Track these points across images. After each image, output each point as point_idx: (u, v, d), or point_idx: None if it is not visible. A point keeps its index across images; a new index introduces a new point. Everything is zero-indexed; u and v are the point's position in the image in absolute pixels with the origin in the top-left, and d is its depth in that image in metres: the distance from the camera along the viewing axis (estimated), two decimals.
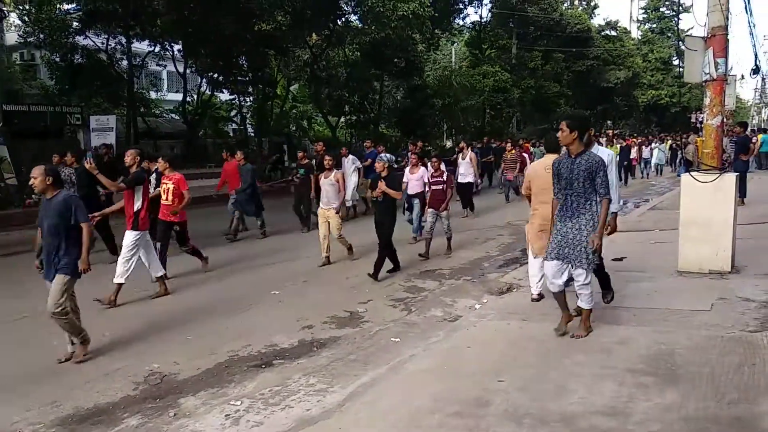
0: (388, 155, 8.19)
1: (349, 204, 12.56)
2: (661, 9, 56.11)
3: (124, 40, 24.33)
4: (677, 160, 25.20)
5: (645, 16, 57.86)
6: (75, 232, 5.20)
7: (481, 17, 37.13)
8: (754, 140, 19.50)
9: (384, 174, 7.90)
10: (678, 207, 7.18)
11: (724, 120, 15.84)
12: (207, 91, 28.41)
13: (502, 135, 28.42)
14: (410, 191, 10.15)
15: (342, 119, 30.96)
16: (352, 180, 12.91)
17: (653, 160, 24.47)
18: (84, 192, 8.70)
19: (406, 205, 10.74)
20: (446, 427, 3.58)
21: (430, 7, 23.31)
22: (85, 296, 5.93)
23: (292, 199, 12.28)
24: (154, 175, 8.48)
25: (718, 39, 6.96)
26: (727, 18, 6.98)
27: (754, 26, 12.44)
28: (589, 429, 3.38)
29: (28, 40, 23.72)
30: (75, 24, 23.22)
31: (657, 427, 3.32)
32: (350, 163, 13.23)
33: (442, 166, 9.83)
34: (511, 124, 39.97)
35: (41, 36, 22.75)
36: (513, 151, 16.18)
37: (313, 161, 12.58)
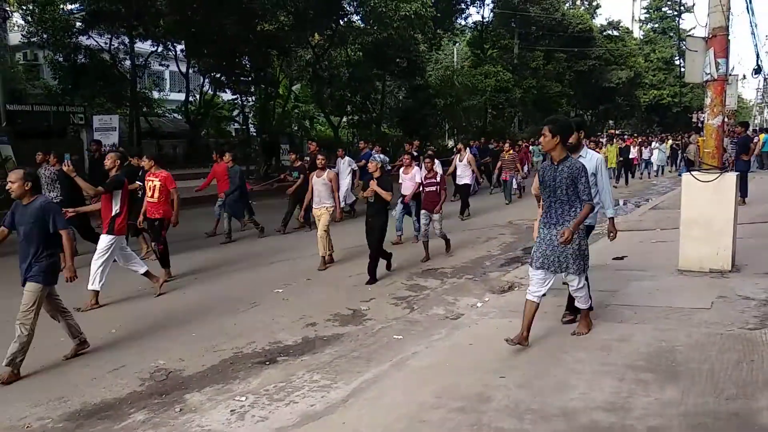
0: (381, 156, 8.07)
1: (342, 205, 12.43)
2: (663, 9, 56.09)
3: (127, 40, 24.44)
4: (678, 160, 25.22)
5: (647, 15, 57.87)
6: (53, 240, 5.03)
7: (483, 17, 37.21)
8: (755, 140, 19.52)
9: (377, 174, 7.86)
10: (679, 206, 7.22)
11: (726, 120, 15.90)
12: (209, 91, 28.50)
13: (504, 135, 28.43)
14: (404, 191, 10.06)
15: (344, 119, 31.03)
16: (347, 181, 12.81)
17: (654, 160, 24.49)
18: (69, 193, 8.61)
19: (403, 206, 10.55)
20: (449, 422, 3.64)
21: (432, 7, 23.36)
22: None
23: (288, 199, 12.05)
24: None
25: (719, 39, 7.00)
26: (728, 18, 7.02)
27: (755, 26, 12.48)
28: (590, 424, 3.43)
29: (32, 40, 23.80)
30: (78, 24, 23.30)
31: (656, 422, 3.38)
32: (346, 164, 13.16)
33: (436, 167, 9.75)
34: (513, 124, 40.01)
35: (44, 36, 22.82)
36: (511, 152, 16.18)
37: (307, 162, 12.37)
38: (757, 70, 14.96)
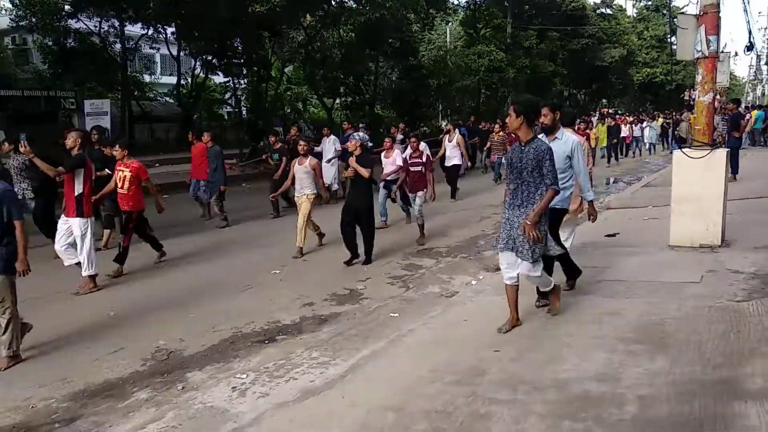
0: (360, 134, 7.87)
1: (329, 183, 12.16)
2: None
3: (116, 24, 24.13)
4: (668, 138, 25.31)
5: None
6: (10, 228, 4.87)
7: None
8: (747, 117, 19.61)
9: (357, 153, 7.67)
10: (671, 184, 7.30)
11: (718, 97, 15.92)
12: (201, 74, 28.25)
13: (497, 115, 28.41)
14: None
15: (337, 101, 30.87)
16: (331, 163, 12.55)
17: (645, 139, 24.59)
18: (40, 180, 8.08)
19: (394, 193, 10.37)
20: (445, 394, 3.74)
21: None
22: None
23: (270, 185, 11.79)
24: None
25: (709, 17, 7.04)
26: None
27: (748, 3, 12.51)
28: (582, 394, 3.54)
29: (20, 23, 23.51)
30: (67, 7, 22.97)
31: (646, 390, 3.49)
32: (331, 143, 12.89)
33: (422, 147, 9.61)
34: (507, 104, 39.90)
35: (33, 20, 22.55)
36: (501, 133, 16.14)
37: (287, 145, 12.14)
38: (749, 47, 15.03)
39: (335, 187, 12.91)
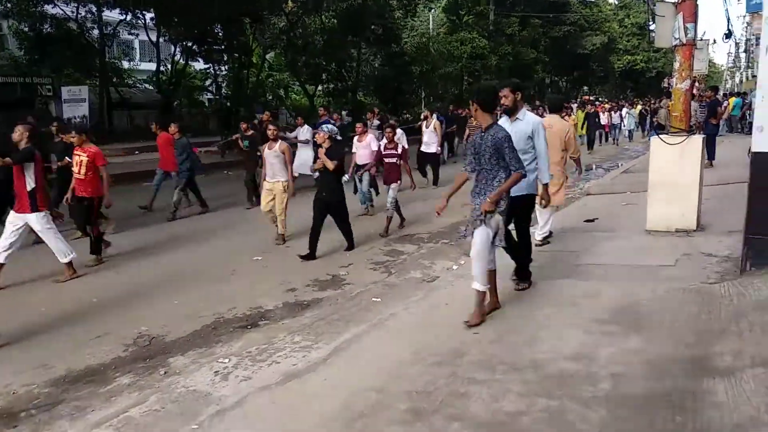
0: (329, 126, 7.64)
1: (297, 175, 11.89)
2: None
3: (94, 9, 23.74)
4: (647, 125, 25.60)
5: None
6: None
7: None
8: (724, 104, 19.91)
9: (326, 145, 7.46)
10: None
11: (697, 84, 16.08)
12: (181, 61, 27.94)
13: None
14: (359, 161, 9.78)
15: (319, 87, 30.74)
16: (305, 151, 12.29)
17: (624, 126, 24.88)
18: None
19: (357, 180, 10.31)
20: (425, 375, 3.81)
21: None
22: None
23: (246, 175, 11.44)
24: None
25: (687, 4, 7.12)
26: None
27: None
28: (557, 373, 3.63)
29: None
30: None
31: (619, 369, 3.59)
32: (305, 132, 12.61)
33: (398, 137, 9.47)
34: None
35: (8, 5, 22.07)
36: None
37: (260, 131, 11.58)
38: (728, 35, 15.14)
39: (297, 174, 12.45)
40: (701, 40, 11.55)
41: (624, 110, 25.59)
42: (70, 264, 6.78)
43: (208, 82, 30.73)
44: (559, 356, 3.86)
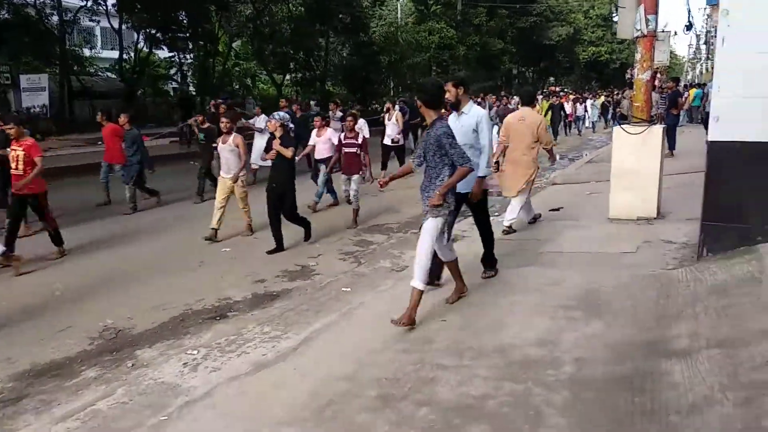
0: (280, 114, 7.44)
1: (255, 167, 11.43)
2: None
3: None
4: (609, 116, 26.07)
5: None
6: None
7: None
8: (685, 95, 20.40)
9: (278, 133, 7.23)
10: None
11: (659, 76, 16.42)
12: (144, 49, 27.33)
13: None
14: (318, 155, 9.64)
15: (287, 77, 30.46)
16: (262, 140, 11.61)
17: (587, 117, 25.32)
18: None
19: (312, 174, 10.28)
20: (394, 362, 3.87)
21: None
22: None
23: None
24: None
25: None
26: None
27: None
28: (522, 358, 3.73)
29: None
30: None
31: (582, 353, 3.70)
32: (261, 122, 12.32)
33: (360, 127, 9.32)
34: None
35: None
36: (443, 111, 16.11)
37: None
38: (689, 27, 15.49)
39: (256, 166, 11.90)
40: (662, 31, 11.82)
41: (588, 102, 26.04)
42: (3, 252, 6.55)
43: (172, 71, 30.17)
44: (525, 342, 3.96)
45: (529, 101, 7.70)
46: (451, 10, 37.07)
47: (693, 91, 23.05)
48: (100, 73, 29.60)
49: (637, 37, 7.42)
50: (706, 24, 40.62)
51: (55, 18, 23.80)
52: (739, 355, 3.26)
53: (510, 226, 7.13)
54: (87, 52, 29.08)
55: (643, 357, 3.54)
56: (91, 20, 26.35)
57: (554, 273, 5.41)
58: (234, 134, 8.16)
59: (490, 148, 5.20)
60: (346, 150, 8.76)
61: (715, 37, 6.20)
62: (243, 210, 8.21)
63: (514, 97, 22.27)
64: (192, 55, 27.58)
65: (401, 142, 13.22)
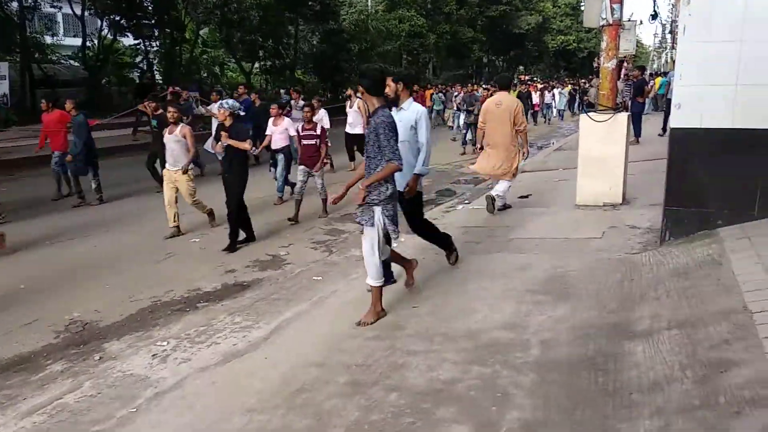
0: (230, 101, 7.10)
1: (214, 152, 11.14)
2: None
3: None
4: (576, 104, 26.42)
5: None
6: None
7: None
8: (651, 83, 20.76)
9: (228, 123, 6.90)
10: None
11: (626, 64, 16.67)
12: (108, 36, 26.67)
13: (419, 81, 28.61)
14: (274, 146, 9.37)
15: (256, 65, 30.07)
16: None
17: (555, 105, 25.64)
18: None
19: (271, 162, 10.05)
20: (365, 348, 3.90)
21: None
22: None
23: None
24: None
25: None
26: None
27: None
28: (490, 341, 3.79)
29: None
30: None
31: (548, 335, 3.78)
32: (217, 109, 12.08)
33: (319, 117, 9.13)
34: (428, 70, 40.25)
35: None
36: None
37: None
38: (654, 16, 15.74)
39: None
40: (628, 20, 11.99)
41: (555, 90, 26.35)
42: None
43: (138, 59, 29.51)
44: (492, 326, 4.03)
45: (505, 86, 7.84)
46: None
47: (659, 80, 23.47)
48: (63, 61, 28.80)
49: (602, 26, 7.52)
50: (672, 14, 41.39)
51: (15, 4, 23.05)
52: (698, 334, 3.36)
53: (505, 204, 7.63)
54: (49, 40, 28.20)
55: (607, 338, 3.63)
56: (52, 6, 25.55)
57: (522, 258, 5.50)
58: (182, 125, 7.78)
59: (428, 145, 5.03)
60: (305, 142, 8.48)
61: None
62: (194, 205, 7.86)
63: (483, 85, 22.39)
64: (158, 43, 26.98)
65: (363, 131, 13.07)
